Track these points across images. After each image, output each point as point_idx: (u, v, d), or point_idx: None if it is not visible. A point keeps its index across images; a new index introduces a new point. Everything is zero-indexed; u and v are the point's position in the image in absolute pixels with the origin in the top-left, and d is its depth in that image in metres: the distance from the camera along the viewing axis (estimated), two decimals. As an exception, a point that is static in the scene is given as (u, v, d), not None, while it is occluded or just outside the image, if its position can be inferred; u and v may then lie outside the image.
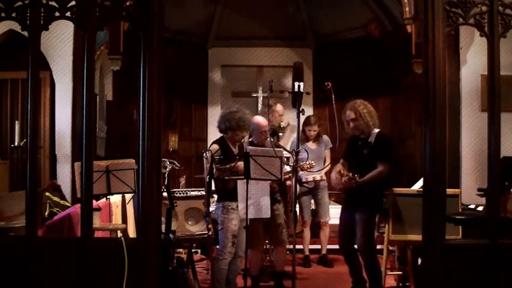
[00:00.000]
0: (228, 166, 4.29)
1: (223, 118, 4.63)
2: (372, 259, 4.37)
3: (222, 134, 4.70)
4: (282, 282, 4.87)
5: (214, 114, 9.81)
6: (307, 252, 5.99)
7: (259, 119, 4.90)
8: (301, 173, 5.38)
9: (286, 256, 5.04)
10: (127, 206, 5.59)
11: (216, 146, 4.53)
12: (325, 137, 6.03)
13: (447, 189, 3.48)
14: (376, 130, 4.47)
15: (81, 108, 3.23)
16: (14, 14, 3.26)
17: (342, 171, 4.41)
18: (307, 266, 5.90)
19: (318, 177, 5.73)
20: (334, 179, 4.48)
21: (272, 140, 4.98)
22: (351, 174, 4.24)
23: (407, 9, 6.59)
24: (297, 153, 4.03)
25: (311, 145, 5.90)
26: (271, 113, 5.76)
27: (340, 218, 4.58)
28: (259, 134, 4.83)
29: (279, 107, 5.88)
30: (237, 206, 4.40)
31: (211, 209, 4.66)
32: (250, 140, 5.03)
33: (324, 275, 5.57)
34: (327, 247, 5.98)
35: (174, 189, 5.06)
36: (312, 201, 5.97)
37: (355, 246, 4.44)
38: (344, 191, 4.46)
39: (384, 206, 4.59)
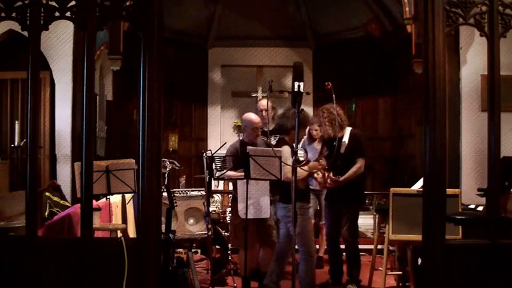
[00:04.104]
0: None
1: (289, 117, 4.42)
2: (355, 248, 4.89)
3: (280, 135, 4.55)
4: None
5: (214, 114, 9.82)
6: None
7: (252, 116, 4.87)
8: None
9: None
10: (127, 206, 5.59)
11: (289, 148, 4.35)
12: None
13: (447, 189, 3.48)
14: (349, 129, 4.95)
15: (81, 108, 3.23)
16: (14, 14, 3.26)
17: (323, 172, 4.74)
18: None
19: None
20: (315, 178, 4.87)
21: (264, 138, 4.97)
22: (332, 175, 4.70)
23: (407, 9, 6.59)
24: (296, 153, 4.02)
25: (316, 145, 5.88)
26: (260, 112, 5.48)
27: (327, 213, 5.05)
28: (251, 131, 4.82)
29: (261, 103, 5.49)
30: (310, 206, 4.37)
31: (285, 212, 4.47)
32: (241, 138, 5.01)
33: (324, 276, 5.56)
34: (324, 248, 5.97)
35: (174, 189, 5.06)
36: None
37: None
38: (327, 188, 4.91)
39: (384, 206, 4.68)
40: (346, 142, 4.88)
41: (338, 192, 4.75)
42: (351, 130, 4.96)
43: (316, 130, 5.90)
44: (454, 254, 3.29)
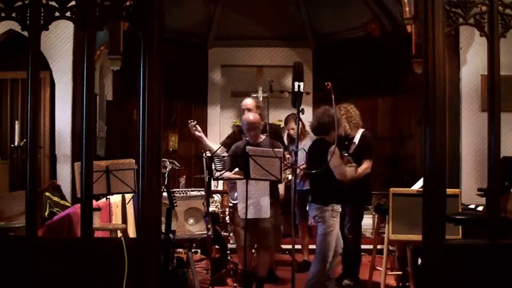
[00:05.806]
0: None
1: (328, 116, 4.28)
2: (357, 246, 5.00)
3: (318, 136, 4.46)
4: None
5: (214, 114, 9.82)
6: (305, 257, 5.85)
7: (246, 117, 4.86)
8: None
9: (270, 261, 4.93)
10: (127, 206, 5.58)
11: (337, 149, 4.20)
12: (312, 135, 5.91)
13: (447, 189, 3.48)
14: (361, 130, 5.05)
15: (81, 108, 3.23)
16: (14, 14, 3.26)
17: None
18: (307, 270, 5.83)
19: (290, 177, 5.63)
20: None
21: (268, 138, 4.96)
22: None
23: (407, 9, 6.58)
24: (296, 153, 4.02)
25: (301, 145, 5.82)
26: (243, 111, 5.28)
27: None
28: (247, 132, 4.81)
29: (244, 102, 5.30)
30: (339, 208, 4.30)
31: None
32: (247, 139, 5.00)
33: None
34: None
35: (174, 189, 5.06)
36: None
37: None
38: None
39: (384, 205, 4.68)
40: (357, 143, 4.98)
41: (343, 191, 4.69)
42: (363, 132, 5.06)
43: (293, 129, 5.76)
44: (454, 254, 3.29)
